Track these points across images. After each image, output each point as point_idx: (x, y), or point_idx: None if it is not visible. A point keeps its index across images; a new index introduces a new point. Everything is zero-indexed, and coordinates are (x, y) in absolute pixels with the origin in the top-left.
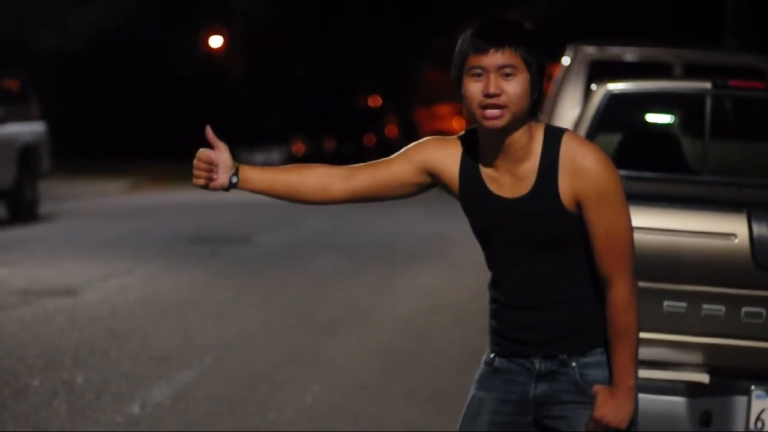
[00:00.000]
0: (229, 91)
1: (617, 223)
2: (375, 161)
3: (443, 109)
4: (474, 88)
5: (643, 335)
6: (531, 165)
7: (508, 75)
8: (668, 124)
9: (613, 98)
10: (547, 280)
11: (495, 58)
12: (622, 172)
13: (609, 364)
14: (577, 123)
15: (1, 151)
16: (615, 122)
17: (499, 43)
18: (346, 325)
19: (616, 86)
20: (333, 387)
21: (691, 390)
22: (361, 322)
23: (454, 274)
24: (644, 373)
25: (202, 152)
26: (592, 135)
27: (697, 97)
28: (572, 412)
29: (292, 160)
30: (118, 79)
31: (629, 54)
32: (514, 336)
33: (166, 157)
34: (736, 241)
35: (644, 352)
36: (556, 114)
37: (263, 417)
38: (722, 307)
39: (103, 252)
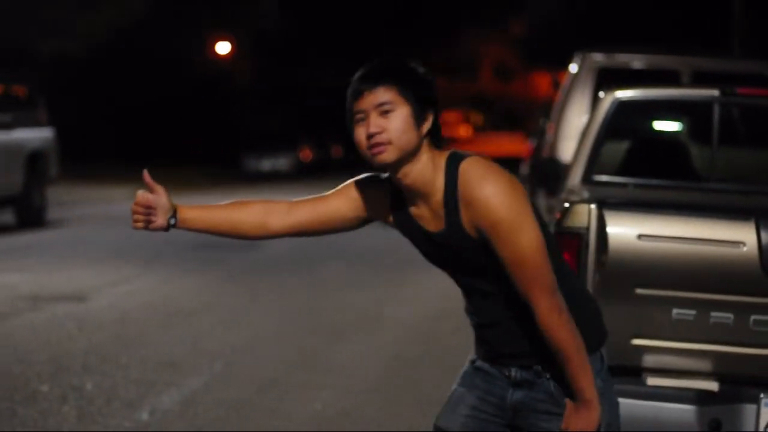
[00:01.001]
0: (236, 97)
1: (518, 251)
2: (314, 196)
3: (450, 116)
4: (359, 132)
5: (651, 343)
6: (439, 199)
7: (386, 112)
8: (676, 132)
9: (621, 106)
10: (499, 299)
11: (370, 98)
12: (631, 180)
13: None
14: (585, 130)
15: (9, 157)
16: (623, 130)
17: (370, 84)
18: (355, 330)
19: (624, 94)
20: (342, 392)
21: (700, 398)
22: (369, 326)
23: None
24: (653, 381)
25: (141, 196)
26: (600, 143)
27: (705, 105)
28: (548, 423)
29: (300, 167)
30: (126, 84)
31: (637, 61)
32: (489, 348)
33: (174, 162)
34: (745, 248)
35: (653, 360)
36: (563, 121)
37: (272, 423)
38: (731, 315)
39: (112, 258)
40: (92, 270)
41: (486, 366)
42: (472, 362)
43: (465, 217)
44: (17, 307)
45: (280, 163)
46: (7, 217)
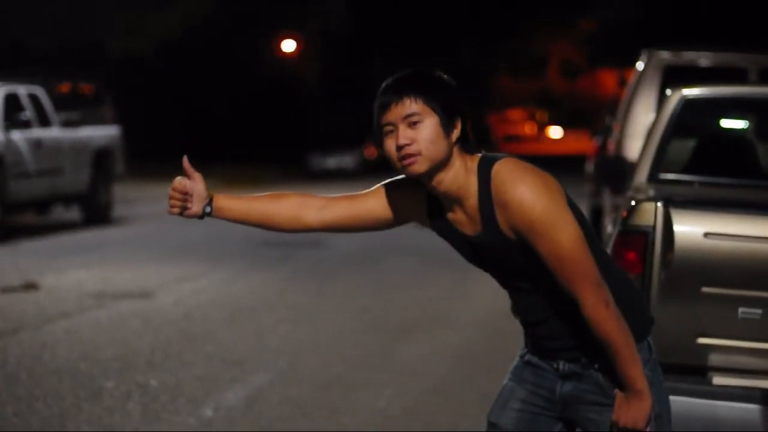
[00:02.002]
0: (302, 96)
1: (557, 248)
2: (351, 194)
3: (515, 114)
4: (389, 144)
5: (717, 342)
6: (473, 203)
7: (414, 123)
8: (743, 130)
9: (688, 103)
10: (542, 297)
11: (397, 110)
12: (697, 178)
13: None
14: (651, 128)
15: (76, 154)
16: (689, 128)
17: (396, 96)
18: (419, 328)
19: (691, 91)
20: (406, 390)
21: (766, 397)
22: (434, 325)
23: None
24: (719, 380)
25: (178, 182)
26: (666, 140)
27: None
28: (599, 415)
29: (364, 164)
30: (193, 82)
31: (704, 59)
32: (536, 342)
33: (240, 160)
34: None
35: (718, 359)
36: (629, 119)
37: (336, 420)
38: None
39: (177, 255)
40: (157, 267)
41: (535, 359)
42: (522, 356)
43: (501, 219)
44: (83, 304)
45: (346, 161)
46: (74, 214)
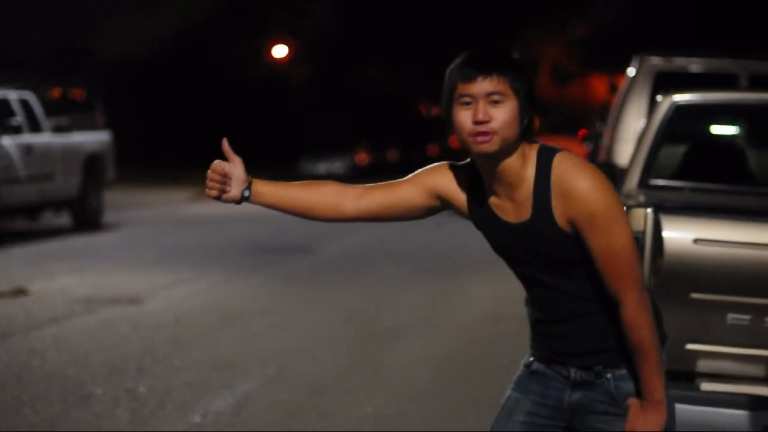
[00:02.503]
0: (294, 101)
1: (612, 244)
2: (387, 182)
3: None
4: (463, 116)
5: (706, 348)
6: (526, 190)
7: (496, 102)
8: (733, 136)
9: (679, 109)
10: (568, 295)
11: (483, 85)
12: (687, 184)
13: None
14: (642, 134)
15: (67, 160)
16: (680, 133)
17: (486, 71)
18: (409, 333)
19: (682, 97)
20: (395, 395)
21: (753, 403)
22: (423, 330)
23: (515, 282)
24: (707, 386)
25: (217, 164)
26: (657, 146)
27: (763, 109)
28: (608, 424)
29: (355, 170)
30: (184, 87)
31: (695, 65)
32: (549, 346)
33: None
34: None
35: (707, 365)
36: (620, 125)
37: (326, 426)
38: None
39: (167, 261)
40: (147, 273)
41: (542, 368)
42: (527, 366)
43: (557, 209)
44: (72, 309)
45: (336, 166)
46: (64, 220)
